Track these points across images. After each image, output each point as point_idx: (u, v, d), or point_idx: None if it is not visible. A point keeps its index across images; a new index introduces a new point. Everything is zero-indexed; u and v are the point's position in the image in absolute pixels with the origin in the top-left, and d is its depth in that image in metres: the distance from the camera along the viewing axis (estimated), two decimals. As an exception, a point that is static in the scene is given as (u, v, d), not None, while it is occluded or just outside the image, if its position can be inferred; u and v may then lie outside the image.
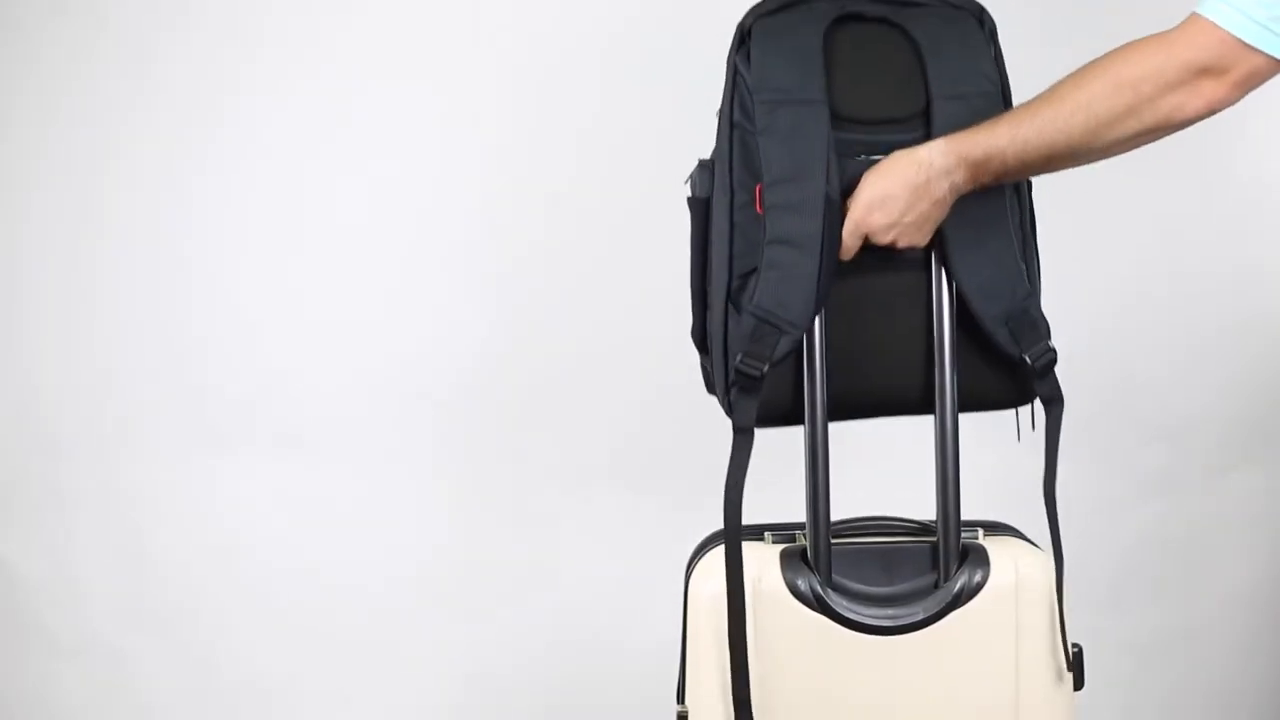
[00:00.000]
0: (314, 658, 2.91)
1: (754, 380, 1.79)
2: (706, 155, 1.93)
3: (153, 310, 2.89)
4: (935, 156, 1.78)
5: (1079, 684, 1.90)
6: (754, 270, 1.82)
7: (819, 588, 1.85)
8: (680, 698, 1.96)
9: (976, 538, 1.89)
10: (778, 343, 1.78)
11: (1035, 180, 1.90)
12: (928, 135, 1.82)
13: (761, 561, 1.85)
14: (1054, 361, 1.83)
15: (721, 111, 1.88)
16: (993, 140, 1.77)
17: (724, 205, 1.85)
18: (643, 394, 2.83)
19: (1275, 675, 2.93)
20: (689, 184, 1.94)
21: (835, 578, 1.86)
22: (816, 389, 1.84)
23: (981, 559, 1.86)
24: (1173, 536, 2.90)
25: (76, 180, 2.89)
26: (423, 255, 2.89)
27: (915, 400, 1.86)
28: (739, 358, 1.79)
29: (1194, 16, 1.74)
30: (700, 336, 1.94)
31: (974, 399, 1.86)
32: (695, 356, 2.00)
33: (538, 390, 2.88)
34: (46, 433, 2.92)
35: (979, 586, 1.85)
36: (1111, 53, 1.76)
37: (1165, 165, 2.77)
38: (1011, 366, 1.85)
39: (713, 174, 1.88)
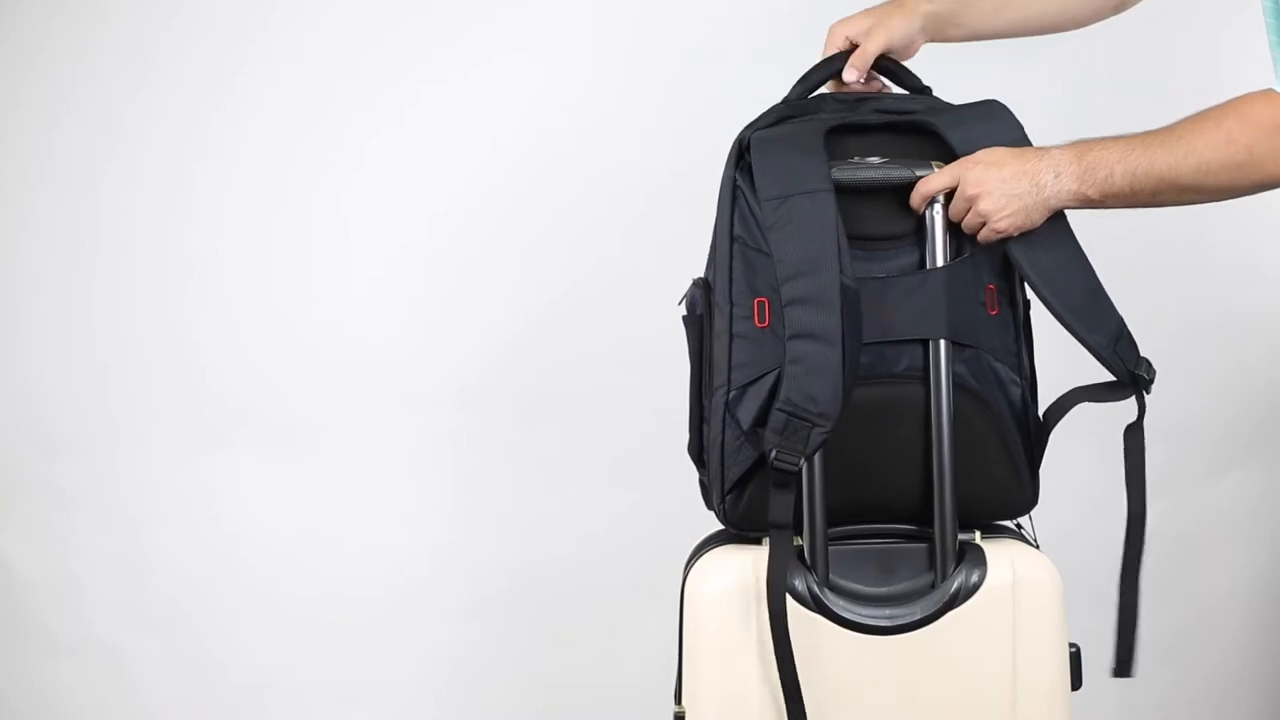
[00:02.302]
0: (314, 657, 2.91)
1: (790, 475, 1.79)
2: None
3: (152, 311, 2.89)
4: (1060, 160, 1.82)
5: (1077, 684, 1.91)
6: (753, 382, 1.84)
7: (816, 588, 1.85)
8: (677, 698, 1.97)
9: (974, 538, 1.89)
10: (809, 436, 1.79)
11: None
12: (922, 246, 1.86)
13: (759, 563, 1.85)
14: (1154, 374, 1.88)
15: (718, 228, 1.90)
16: (1106, 153, 1.81)
17: (724, 317, 1.87)
18: (644, 395, 2.82)
19: (1275, 675, 2.93)
20: (684, 303, 1.96)
21: (832, 578, 1.86)
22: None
23: (979, 559, 1.86)
24: (1173, 536, 2.90)
25: (76, 181, 2.89)
26: (425, 255, 2.89)
27: (914, 512, 1.88)
28: (773, 454, 1.79)
29: None
30: (697, 451, 1.96)
31: (980, 512, 1.89)
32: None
33: (538, 391, 2.89)
34: (46, 433, 2.92)
35: (976, 587, 1.85)
36: (1229, 104, 1.80)
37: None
38: (1017, 476, 1.89)
39: (707, 291, 1.91)
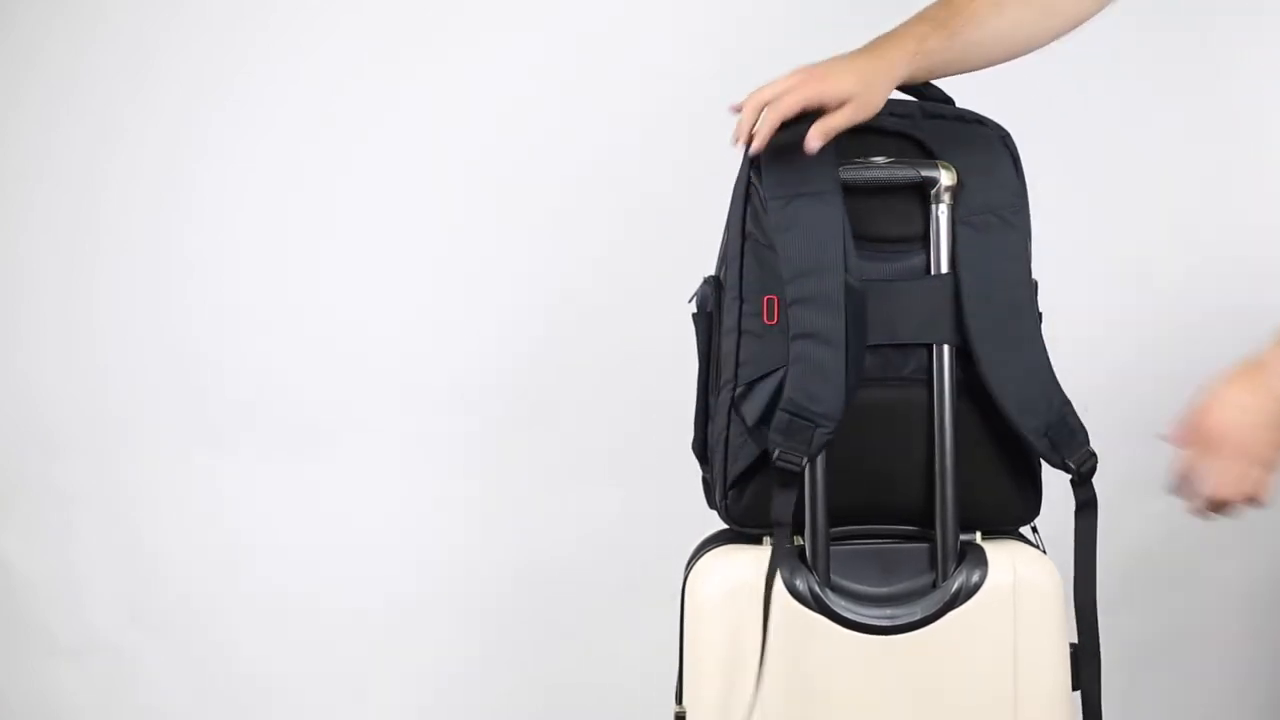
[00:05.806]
0: (315, 657, 2.91)
1: (793, 475, 1.81)
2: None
3: (152, 310, 2.89)
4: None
5: (1077, 684, 1.91)
6: (759, 379, 1.85)
7: (817, 588, 1.86)
8: (678, 698, 1.97)
9: (975, 539, 1.90)
10: (812, 437, 1.80)
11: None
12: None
13: (760, 562, 1.85)
14: (1095, 468, 1.87)
15: (730, 225, 1.90)
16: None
17: (734, 313, 1.87)
18: (645, 395, 2.82)
19: (1276, 675, 2.93)
20: (694, 300, 1.96)
21: (833, 578, 1.86)
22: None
23: (979, 559, 1.87)
24: (1173, 536, 2.89)
25: (76, 181, 2.89)
26: (426, 255, 2.89)
27: (916, 514, 1.88)
28: (776, 453, 1.80)
29: None
30: (701, 448, 1.97)
31: (981, 519, 1.90)
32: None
33: (539, 391, 2.88)
34: (46, 433, 2.92)
35: (977, 586, 1.85)
36: None
37: (1169, 163, 2.78)
38: (1019, 485, 1.89)
39: (717, 288, 1.91)
